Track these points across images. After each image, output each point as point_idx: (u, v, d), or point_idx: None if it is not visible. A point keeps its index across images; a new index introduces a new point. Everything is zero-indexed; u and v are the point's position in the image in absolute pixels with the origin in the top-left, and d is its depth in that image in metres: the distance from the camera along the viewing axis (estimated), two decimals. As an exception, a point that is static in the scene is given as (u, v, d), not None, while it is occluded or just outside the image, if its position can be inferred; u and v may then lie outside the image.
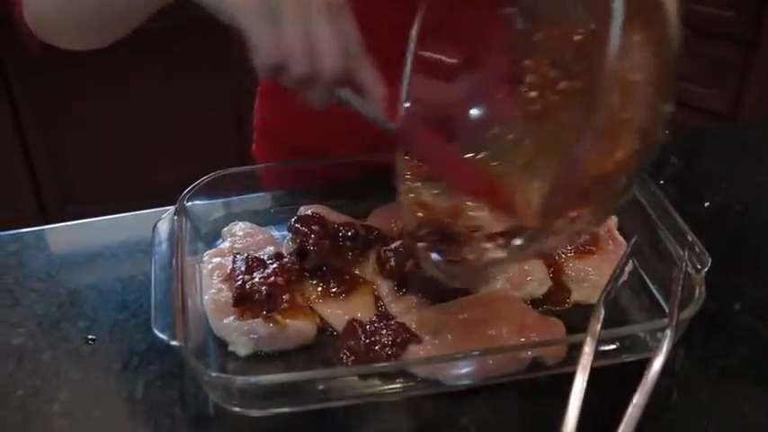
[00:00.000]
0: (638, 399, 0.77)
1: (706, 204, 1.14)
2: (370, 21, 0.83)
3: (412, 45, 0.87)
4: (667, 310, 0.86)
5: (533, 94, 0.86)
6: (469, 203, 0.86)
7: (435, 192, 0.88)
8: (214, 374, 0.83)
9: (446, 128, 0.91)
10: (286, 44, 0.76)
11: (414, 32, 0.87)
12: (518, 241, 0.75)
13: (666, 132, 0.75)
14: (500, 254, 0.78)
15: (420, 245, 0.85)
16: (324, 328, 0.94)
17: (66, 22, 0.95)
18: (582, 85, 0.80)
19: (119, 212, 1.14)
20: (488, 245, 0.80)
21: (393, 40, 0.87)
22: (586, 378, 0.78)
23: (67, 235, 1.14)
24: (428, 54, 0.88)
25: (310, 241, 0.97)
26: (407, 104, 0.89)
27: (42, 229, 1.13)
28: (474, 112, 0.93)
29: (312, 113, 0.89)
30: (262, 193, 1.10)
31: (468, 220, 0.85)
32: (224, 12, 0.76)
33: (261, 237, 1.04)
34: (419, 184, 0.89)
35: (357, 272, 0.99)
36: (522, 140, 0.88)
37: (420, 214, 0.87)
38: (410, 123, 0.88)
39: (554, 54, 0.84)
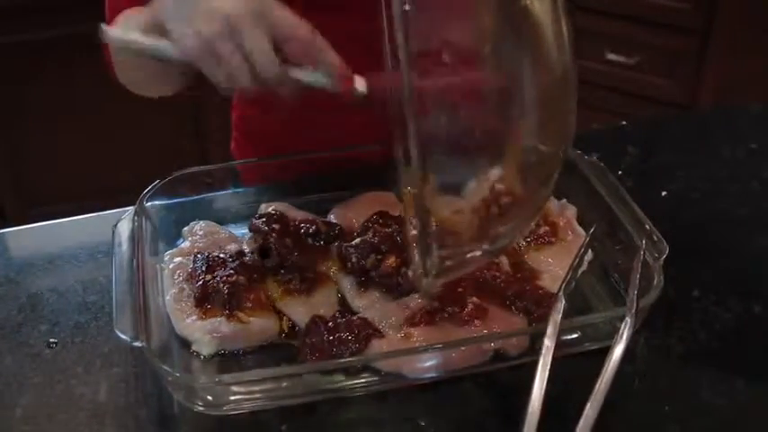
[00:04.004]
0: (600, 386, 0.77)
1: (663, 194, 1.16)
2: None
3: None
4: (627, 299, 0.87)
5: None
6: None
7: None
8: (178, 374, 0.83)
9: None
10: (229, 72, 0.84)
11: None
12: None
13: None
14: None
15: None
16: (287, 325, 0.94)
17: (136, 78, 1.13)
18: None
19: (78, 214, 1.13)
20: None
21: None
22: (549, 367, 0.79)
23: (27, 238, 1.13)
24: None
25: (272, 239, 0.97)
26: None
27: (1, 233, 1.12)
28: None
29: (290, 111, 0.91)
30: (222, 192, 1.10)
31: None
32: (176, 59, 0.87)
33: (222, 235, 1.04)
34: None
35: (319, 269, 0.99)
36: None
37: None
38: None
39: None
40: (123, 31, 0.93)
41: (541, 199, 0.80)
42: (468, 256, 0.78)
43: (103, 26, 0.91)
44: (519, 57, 0.70)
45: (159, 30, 0.87)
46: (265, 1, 0.84)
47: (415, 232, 0.84)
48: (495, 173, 0.75)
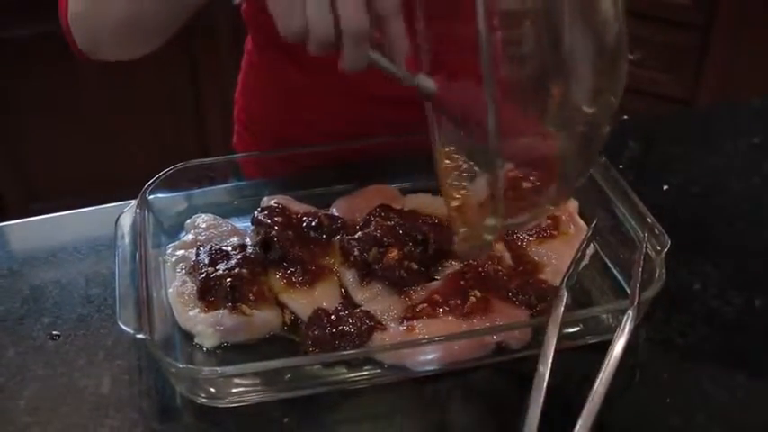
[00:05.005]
0: (602, 379, 0.78)
1: (664, 187, 1.16)
2: None
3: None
4: (629, 292, 0.88)
5: None
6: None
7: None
8: (181, 366, 0.83)
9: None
10: (306, 13, 0.76)
11: None
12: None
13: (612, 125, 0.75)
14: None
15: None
16: (289, 318, 0.94)
17: (101, 24, 1.01)
18: None
19: (80, 208, 1.13)
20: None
21: None
22: (551, 360, 0.79)
23: (29, 231, 1.13)
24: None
25: (274, 232, 0.97)
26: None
27: (2, 226, 1.12)
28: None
29: (293, 104, 0.91)
30: (224, 185, 1.10)
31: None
32: None
33: (224, 228, 1.04)
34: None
35: (321, 261, 0.99)
36: None
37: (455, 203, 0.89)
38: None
39: None
40: None
41: (582, 176, 0.81)
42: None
43: None
44: (575, 20, 0.70)
45: None
46: None
47: (455, 204, 0.87)
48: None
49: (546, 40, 0.70)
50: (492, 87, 0.67)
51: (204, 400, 0.84)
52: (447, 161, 0.93)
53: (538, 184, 0.75)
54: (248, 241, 1.00)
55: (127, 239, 0.96)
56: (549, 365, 0.79)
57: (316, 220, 1.00)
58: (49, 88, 2.41)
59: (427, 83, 0.83)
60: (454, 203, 0.89)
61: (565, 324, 0.84)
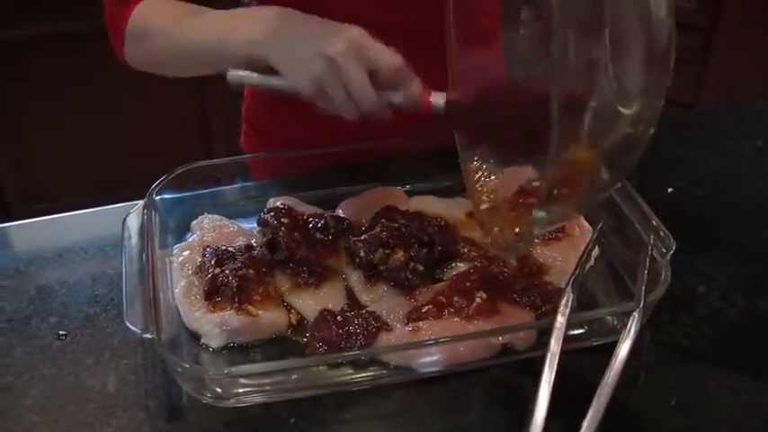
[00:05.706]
0: (607, 381, 0.78)
1: (669, 190, 1.16)
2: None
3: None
4: (634, 294, 0.88)
5: None
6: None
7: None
8: (187, 366, 0.83)
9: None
10: (337, 105, 0.95)
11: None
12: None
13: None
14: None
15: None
16: (296, 319, 0.94)
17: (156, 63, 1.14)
18: None
19: (82, 209, 1.14)
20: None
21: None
22: (556, 362, 0.79)
23: (35, 231, 1.13)
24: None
25: (280, 233, 0.97)
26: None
27: (8, 226, 1.13)
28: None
29: (300, 105, 0.93)
30: (230, 186, 1.10)
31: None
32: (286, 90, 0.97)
33: (230, 229, 1.04)
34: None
35: (327, 263, 0.99)
36: None
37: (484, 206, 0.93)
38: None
39: None
40: (244, 74, 1.00)
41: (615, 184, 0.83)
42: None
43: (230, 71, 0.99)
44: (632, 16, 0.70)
45: (261, 62, 0.97)
46: (363, 39, 0.93)
47: (485, 206, 0.92)
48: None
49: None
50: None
51: (210, 400, 0.84)
52: (474, 164, 0.94)
53: (565, 191, 0.75)
54: (255, 242, 1.00)
55: (134, 240, 0.96)
56: (555, 367, 0.79)
57: (322, 222, 1.01)
58: (50, 89, 2.41)
59: (438, 100, 0.97)
60: (483, 206, 0.89)
61: (570, 326, 0.84)
